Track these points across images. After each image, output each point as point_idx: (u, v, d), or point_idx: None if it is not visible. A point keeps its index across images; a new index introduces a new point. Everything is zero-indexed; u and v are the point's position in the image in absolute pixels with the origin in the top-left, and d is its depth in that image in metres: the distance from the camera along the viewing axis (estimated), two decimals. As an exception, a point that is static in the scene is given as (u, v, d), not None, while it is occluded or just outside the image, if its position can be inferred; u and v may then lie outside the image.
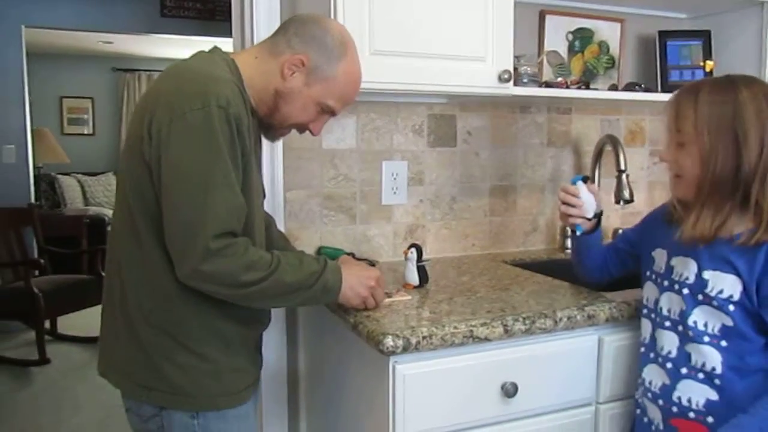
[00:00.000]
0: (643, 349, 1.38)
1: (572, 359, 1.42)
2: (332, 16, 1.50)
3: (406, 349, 1.23)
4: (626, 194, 1.89)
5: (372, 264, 1.79)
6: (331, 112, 1.32)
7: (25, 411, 3.23)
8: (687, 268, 1.26)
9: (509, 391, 1.33)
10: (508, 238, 2.14)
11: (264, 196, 1.61)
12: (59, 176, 6.48)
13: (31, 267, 3.90)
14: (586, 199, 1.49)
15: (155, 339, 1.22)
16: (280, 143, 1.79)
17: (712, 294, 1.21)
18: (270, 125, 1.31)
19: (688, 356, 1.26)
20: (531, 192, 2.16)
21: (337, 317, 1.43)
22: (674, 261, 1.30)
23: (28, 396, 3.42)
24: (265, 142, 1.76)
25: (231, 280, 1.16)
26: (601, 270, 1.55)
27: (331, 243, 1.88)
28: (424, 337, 1.25)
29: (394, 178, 1.95)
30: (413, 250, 1.55)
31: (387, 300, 1.44)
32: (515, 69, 1.87)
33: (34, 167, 4.99)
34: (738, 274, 1.19)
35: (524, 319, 1.34)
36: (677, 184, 1.29)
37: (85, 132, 7.63)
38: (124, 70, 7.63)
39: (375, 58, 1.54)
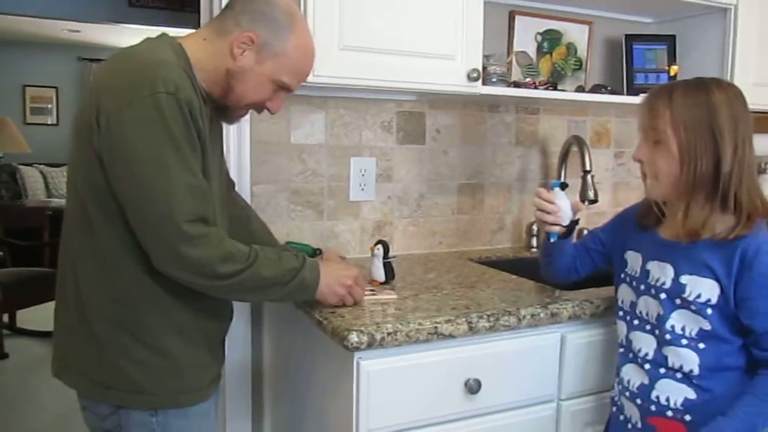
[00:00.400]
0: (621, 350, 1.38)
1: (535, 356, 1.44)
2: (302, 10, 1.49)
3: (370, 345, 1.23)
4: (591, 194, 1.91)
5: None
6: (287, 89, 1.29)
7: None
8: (664, 273, 1.27)
9: (473, 387, 1.34)
10: (475, 236, 2.15)
11: (233, 185, 1.60)
12: (21, 167, 6.32)
13: None
14: (562, 206, 1.43)
15: (112, 335, 1.19)
16: (246, 136, 1.77)
17: (690, 298, 1.22)
18: (225, 107, 1.28)
19: (666, 358, 1.27)
20: (498, 191, 2.18)
21: (302, 312, 1.42)
22: (650, 265, 1.31)
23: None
24: (231, 135, 1.76)
25: (207, 270, 1.14)
26: (569, 270, 1.55)
27: (298, 238, 1.87)
28: (388, 333, 1.25)
29: (363, 175, 1.94)
30: (380, 246, 1.55)
31: (371, 298, 1.43)
32: (484, 68, 1.89)
33: (-6, 157, 4.86)
34: (715, 278, 1.20)
35: (488, 316, 1.35)
36: (653, 186, 1.28)
37: (49, 122, 7.46)
38: (90, 59, 7.46)
39: (344, 53, 1.54)
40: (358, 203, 1.96)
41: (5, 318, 4.00)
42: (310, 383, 1.53)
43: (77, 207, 1.19)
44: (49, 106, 7.44)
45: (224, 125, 1.44)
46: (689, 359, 1.24)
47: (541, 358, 1.45)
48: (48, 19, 4.80)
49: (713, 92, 1.21)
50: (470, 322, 1.33)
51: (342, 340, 1.23)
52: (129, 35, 6.42)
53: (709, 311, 1.21)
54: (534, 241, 2.16)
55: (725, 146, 1.19)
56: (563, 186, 1.46)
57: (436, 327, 1.29)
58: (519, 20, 2.13)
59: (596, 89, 2.10)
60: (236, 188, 1.71)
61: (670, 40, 2.22)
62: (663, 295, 1.27)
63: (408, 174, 2.02)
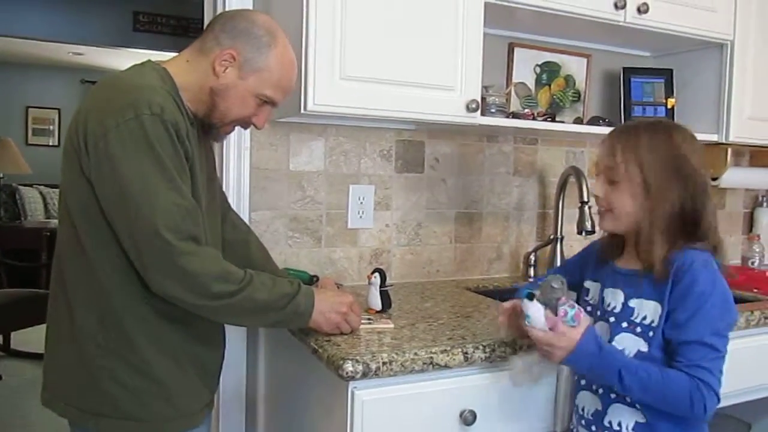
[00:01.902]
0: (575, 377, 1.41)
1: (531, 388, 1.42)
2: (303, 41, 1.51)
3: (365, 375, 1.23)
4: (588, 225, 1.92)
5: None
6: (272, 102, 1.30)
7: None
8: (615, 299, 1.31)
9: (468, 419, 1.33)
10: (472, 265, 2.15)
11: (228, 206, 1.59)
12: (21, 187, 6.33)
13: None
14: (533, 315, 1.23)
15: (102, 360, 1.19)
16: (246, 163, 1.78)
17: (637, 320, 1.26)
18: (211, 125, 1.29)
19: None
20: (496, 220, 2.19)
21: (297, 340, 1.42)
22: (606, 292, 1.35)
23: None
24: (231, 161, 1.77)
25: (201, 288, 1.14)
26: None
27: (295, 265, 1.87)
28: (384, 363, 1.24)
29: (361, 202, 1.95)
30: (377, 274, 1.55)
31: (368, 327, 1.43)
32: (483, 99, 1.91)
33: (-6, 177, 4.87)
34: (658, 299, 1.23)
35: (484, 347, 1.35)
36: (609, 220, 1.31)
37: (50, 143, 7.49)
38: (93, 82, 7.52)
39: (344, 83, 1.55)
40: (357, 231, 1.96)
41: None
42: (304, 410, 1.51)
43: (69, 231, 1.20)
44: (51, 127, 7.48)
45: (215, 147, 1.45)
46: None
47: (537, 389, 1.44)
48: (52, 42, 4.84)
49: (673, 133, 1.27)
50: (466, 353, 1.32)
51: (337, 369, 1.22)
52: (132, 59, 6.45)
53: (651, 333, 1.24)
54: (531, 271, 2.16)
55: (689, 184, 1.23)
56: (531, 296, 1.24)
57: (431, 357, 1.29)
58: (518, 52, 2.16)
59: (594, 121, 2.12)
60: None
61: (667, 74, 2.25)
62: (612, 319, 1.31)
63: (406, 202, 2.03)
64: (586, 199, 1.95)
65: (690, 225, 1.23)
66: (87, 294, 1.20)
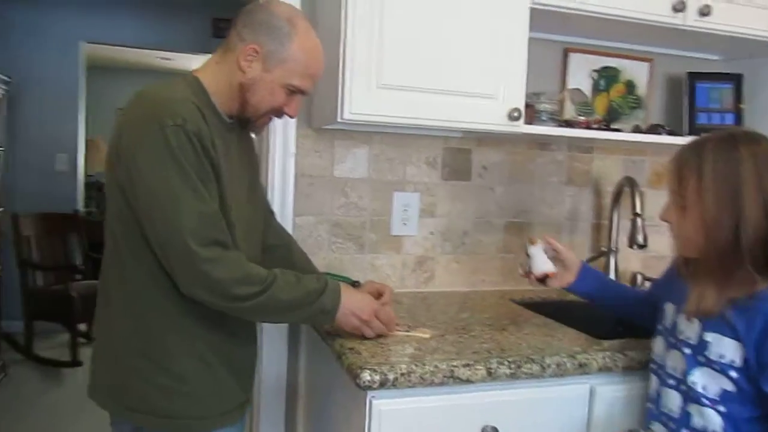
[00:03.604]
0: (649, 404, 1.34)
1: (561, 408, 1.38)
2: (341, 50, 1.53)
3: (383, 385, 1.23)
4: (640, 239, 1.83)
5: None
6: (301, 91, 1.31)
7: (48, 410, 3.34)
8: (690, 328, 1.23)
9: (490, 435, 1.31)
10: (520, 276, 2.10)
11: (272, 212, 1.63)
12: (111, 185, 6.71)
13: (69, 271, 4.05)
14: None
15: (137, 362, 1.26)
16: (291, 169, 1.82)
17: (713, 357, 1.17)
18: (247, 119, 1.32)
19: (689, 417, 1.21)
20: (547, 230, 2.12)
21: (325, 343, 1.44)
22: (679, 318, 1.26)
23: (54, 396, 3.54)
24: (276, 167, 1.81)
25: (225, 291, 1.18)
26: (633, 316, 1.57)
27: (338, 270, 1.89)
28: (402, 374, 1.24)
29: (405, 210, 1.95)
30: (539, 240, 1.55)
31: (403, 334, 1.44)
32: (529, 106, 1.87)
33: (85, 175, 5.19)
34: (738, 339, 1.14)
35: (510, 363, 1.31)
36: (680, 246, 1.26)
37: (140, 143, 7.90)
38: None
39: (382, 91, 1.55)
40: (400, 237, 1.97)
41: (82, 327, 4.24)
42: (330, 413, 1.54)
43: (110, 236, 1.27)
44: (141, 128, 7.88)
45: (261, 151, 1.49)
46: (712, 420, 1.18)
47: (568, 409, 1.39)
48: (138, 48, 5.11)
49: (741, 147, 1.16)
50: (489, 368, 1.30)
51: (355, 377, 1.23)
52: (213, 64, 6.74)
53: (734, 373, 1.15)
54: (582, 284, 2.08)
55: (750, 214, 1.13)
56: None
57: (452, 371, 1.27)
58: (573, 57, 2.10)
59: (654, 129, 2.02)
60: (279, 219, 1.77)
61: (736, 79, 2.12)
62: (687, 350, 1.22)
63: (452, 210, 2.01)
64: (639, 211, 1.87)
65: (755, 256, 1.13)
66: (123, 298, 1.27)
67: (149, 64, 7.16)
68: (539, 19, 1.78)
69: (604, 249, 2.07)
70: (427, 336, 1.45)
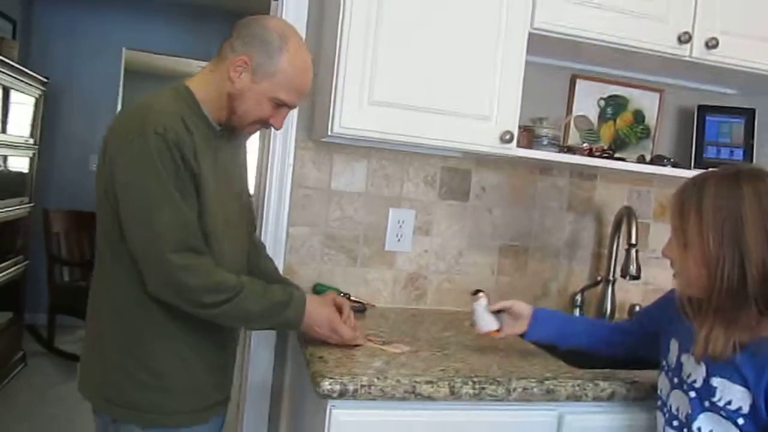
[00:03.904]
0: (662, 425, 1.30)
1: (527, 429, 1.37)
2: (335, 66, 1.57)
3: (342, 395, 1.24)
4: (633, 270, 1.81)
5: (361, 309, 1.81)
6: (287, 105, 1.34)
7: (61, 402, 3.43)
8: (696, 371, 1.19)
9: (449, 454, 1.30)
10: (516, 298, 2.06)
11: (252, 224, 1.65)
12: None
13: (91, 267, 4.16)
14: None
15: (118, 358, 1.30)
16: (288, 179, 1.86)
17: (720, 404, 1.14)
18: (233, 127, 1.36)
19: None
20: (545, 256, 2.11)
21: (299, 347, 1.46)
22: (683, 358, 1.23)
23: (70, 389, 3.62)
24: (274, 177, 1.85)
25: (193, 298, 1.23)
26: (603, 348, 1.52)
27: (329, 281, 1.91)
28: (362, 386, 1.25)
29: (400, 226, 1.97)
30: (482, 294, 1.53)
31: (376, 346, 1.47)
32: (528, 129, 1.87)
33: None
34: (746, 386, 1.11)
35: (474, 383, 1.31)
36: (682, 284, 1.22)
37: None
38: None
39: (373, 108, 1.58)
40: (394, 253, 1.98)
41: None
42: (304, 419, 1.55)
43: (99, 242, 1.33)
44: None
45: (261, 161, 1.53)
46: None
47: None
48: (172, 56, 5.26)
49: (743, 185, 1.12)
50: (452, 387, 1.29)
51: (316, 385, 1.25)
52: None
53: (741, 420, 1.11)
54: (577, 312, 2.06)
55: (753, 253, 1.10)
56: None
57: (414, 386, 1.28)
58: (581, 84, 2.09)
59: (657, 161, 2.00)
60: (273, 228, 1.80)
61: (748, 114, 2.08)
62: (693, 394, 1.19)
63: (448, 230, 2.02)
64: (634, 242, 1.85)
65: (759, 297, 1.10)
66: (104, 295, 1.33)
67: (186, 71, 7.37)
68: (546, 44, 1.80)
69: (599, 278, 2.05)
70: (398, 351, 1.46)
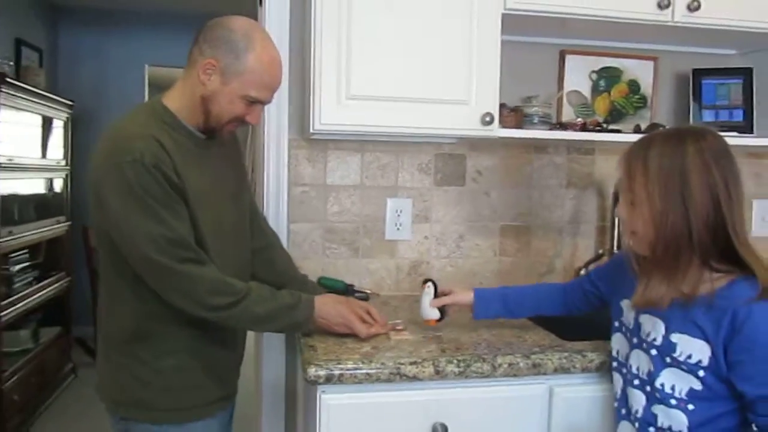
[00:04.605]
0: (616, 404, 1.34)
1: (516, 407, 1.40)
2: (311, 66, 1.61)
3: (329, 380, 1.29)
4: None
5: (365, 298, 1.86)
6: (259, 101, 1.37)
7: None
8: (655, 329, 1.22)
9: (439, 432, 1.34)
10: (519, 278, 2.10)
11: (257, 213, 1.69)
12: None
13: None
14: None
15: (124, 360, 1.38)
16: (285, 177, 1.92)
17: (681, 358, 1.17)
18: (212, 129, 1.40)
19: (655, 417, 1.22)
20: (547, 233, 2.12)
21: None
22: (642, 318, 1.26)
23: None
24: (271, 176, 1.91)
25: (199, 300, 1.29)
26: (552, 311, 1.57)
27: (332, 274, 1.97)
28: (348, 370, 1.30)
29: (398, 215, 2.00)
30: (430, 284, 1.56)
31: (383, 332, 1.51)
32: (519, 109, 1.88)
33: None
34: (705, 339, 1.14)
35: (459, 361, 1.35)
36: (633, 241, 1.25)
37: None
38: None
39: (351, 102, 1.62)
40: (395, 242, 2.02)
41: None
42: (306, 408, 1.60)
43: (101, 254, 1.41)
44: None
45: (259, 161, 1.58)
46: (678, 420, 1.18)
47: (525, 409, 1.40)
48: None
49: (687, 147, 1.16)
50: (437, 366, 1.33)
51: (304, 372, 1.31)
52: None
53: (701, 372, 1.15)
54: (584, 287, 2.06)
55: (696, 207, 1.14)
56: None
57: (399, 368, 1.32)
58: (570, 59, 2.08)
59: (651, 129, 1.98)
60: (274, 226, 1.86)
61: (746, 73, 2.04)
62: (654, 351, 1.22)
63: (446, 215, 2.04)
64: (629, 212, 1.83)
65: (719, 253, 1.15)
66: (108, 303, 1.41)
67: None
68: (530, 23, 1.81)
69: (601, 251, 2.04)
70: (402, 338, 1.49)
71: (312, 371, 1.29)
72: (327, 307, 1.46)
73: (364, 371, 1.31)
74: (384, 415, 1.34)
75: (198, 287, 1.29)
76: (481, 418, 1.38)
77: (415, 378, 1.32)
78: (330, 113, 1.61)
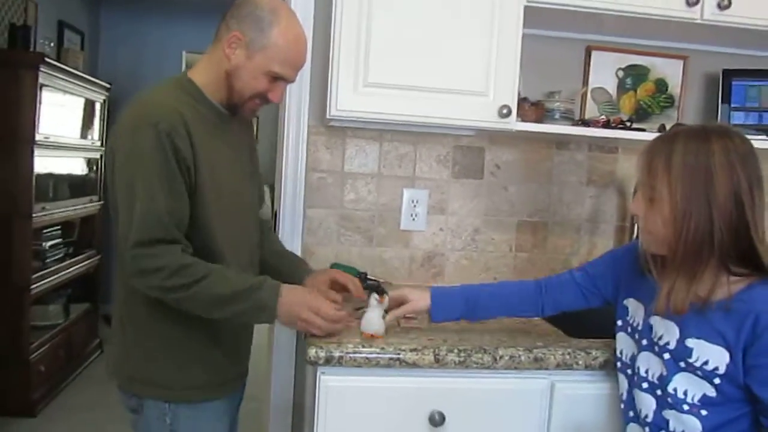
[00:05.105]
0: (622, 407, 1.32)
1: (516, 400, 1.39)
2: (331, 52, 1.63)
3: (328, 362, 1.31)
4: (645, 240, 1.77)
5: (377, 287, 1.86)
6: (282, 78, 1.37)
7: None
8: (668, 332, 1.19)
9: (436, 420, 1.34)
10: (534, 274, 2.04)
11: (262, 200, 1.69)
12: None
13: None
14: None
15: (138, 339, 1.41)
16: (303, 163, 1.94)
17: (697, 364, 1.14)
18: (234, 105, 1.41)
19: (666, 422, 1.19)
20: (565, 231, 2.10)
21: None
22: (653, 320, 1.23)
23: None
24: (289, 161, 1.93)
25: (157, 282, 1.28)
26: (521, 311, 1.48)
27: (346, 261, 1.98)
28: (348, 353, 1.31)
29: (414, 205, 2.01)
30: (375, 294, 1.43)
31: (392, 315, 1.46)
32: (537, 104, 1.87)
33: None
34: (726, 345, 1.11)
35: (459, 351, 1.35)
36: (647, 240, 1.22)
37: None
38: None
39: (368, 89, 1.63)
40: (409, 233, 2.02)
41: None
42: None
43: (115, 226, 1.42)
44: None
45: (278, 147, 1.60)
46: (691, 425, 1.15)
47: (524, 403, 1.39)
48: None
49: (713, 140, 1.12)
50: (437, 354, 1.33)
51: (305, 353, 1.32)
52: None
53: (717, 380, 1.12)
54: (599, 287, 2.03)
55: (721, 209, 1.10)
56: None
57: (398, 354, 1.33)
58: (596, 55, 2.06)
59: (675, 128, 1.93)
60: (290, 210, 1.89)
61: (778, 76, 1.98)
62: (667, 356, 1.19)
63: (463, 208, 2.04)
64: (648, 213, 1.80)
65: (738, 256, 1.11)
66: (122, 283, 1.41)
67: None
68: (557, 17, 1.80)
69: (618, 251, 2.01)
70: (410, 326, 1.49)
71: (312, 352, 1.30)
72: (295, 291, 1.37)
73: (363, 355, 1.32)
74: (382, 399, 1.35)
75: (153, 269, 1.26)
76: (480, 409, 1.38)
77: (414, 365, 1.33)
78: (347, 100, 1.62)
